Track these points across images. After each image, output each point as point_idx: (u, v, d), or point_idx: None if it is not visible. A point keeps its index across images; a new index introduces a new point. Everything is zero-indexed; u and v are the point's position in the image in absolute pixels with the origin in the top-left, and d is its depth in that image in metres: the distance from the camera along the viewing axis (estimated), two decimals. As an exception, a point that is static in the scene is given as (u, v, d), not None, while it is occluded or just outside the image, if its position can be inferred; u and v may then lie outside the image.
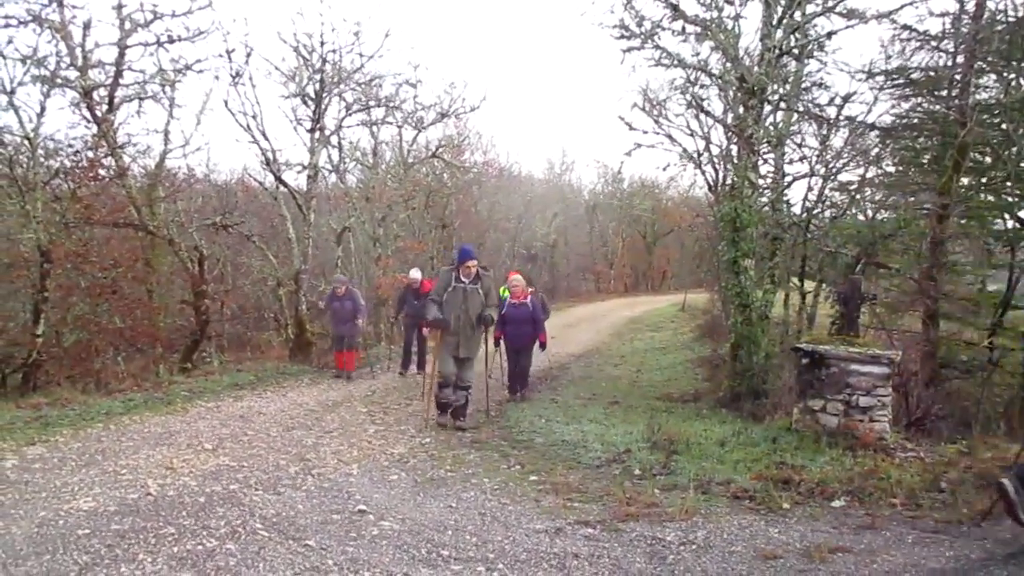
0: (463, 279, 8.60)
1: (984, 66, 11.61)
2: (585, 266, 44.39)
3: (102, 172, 14.35)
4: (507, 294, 10.81)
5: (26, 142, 13.36)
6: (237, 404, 9.94)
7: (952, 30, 11.92)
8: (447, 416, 8.74)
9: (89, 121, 13.62)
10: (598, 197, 44.34)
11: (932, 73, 12.42)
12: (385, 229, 20.23)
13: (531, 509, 5.58)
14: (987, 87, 12.07)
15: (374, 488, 6.07)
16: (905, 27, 12.17)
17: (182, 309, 16.54)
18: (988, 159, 12.31)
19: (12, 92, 12.88)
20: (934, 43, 12.26)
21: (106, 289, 14.09)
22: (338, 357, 12.97)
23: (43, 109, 13.43)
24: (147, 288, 15.81)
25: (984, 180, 12.65)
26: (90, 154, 14.14)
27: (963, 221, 12.23)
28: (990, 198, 12.48)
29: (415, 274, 13.20)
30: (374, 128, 19.78)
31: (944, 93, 12.36)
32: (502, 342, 10.74)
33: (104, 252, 14.41)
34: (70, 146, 14.12)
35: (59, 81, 13.03)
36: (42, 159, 13.76)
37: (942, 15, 11.92)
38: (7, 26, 12.36)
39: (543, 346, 11.10)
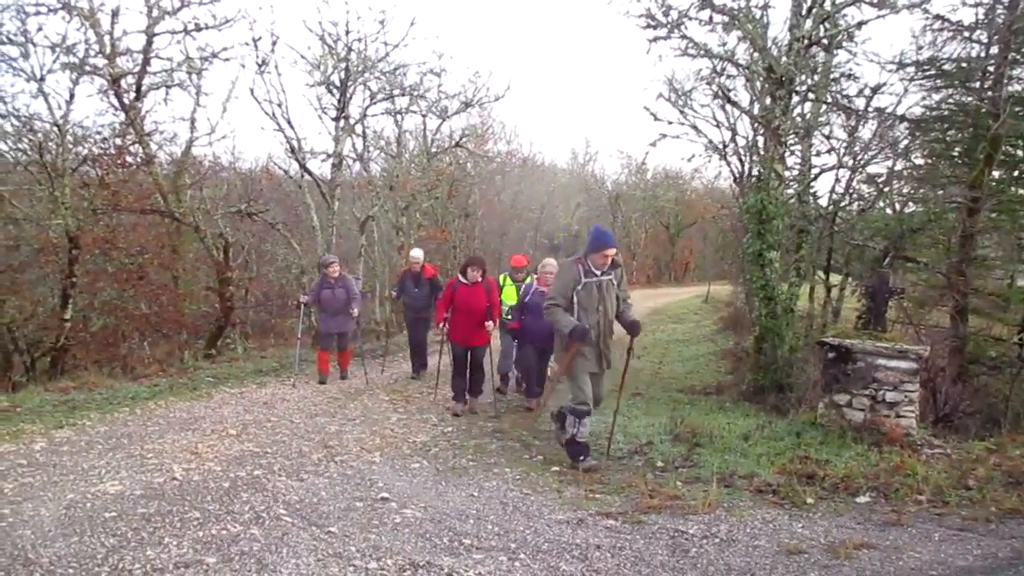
0: (595, 271, 6.51)
1: (1018, 57, 11.40)
2: (607, 255, 44.18)
3: (129, 159, 14.54)
4: (509, 281, 9.99)
5: (55, 129, 13.54)
6: (261, 391, 10.02)
7: (986, 20, 11.71)
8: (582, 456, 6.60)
9: (117, 108, 13.77)
10: (621, 187, 44.17)
11: (964, 64, 12.21)
12: (408, 218, 20.28)
13: (553, 500, 5.58)
14: (1021, 79, 11.85)
15: (396, 476, 6.09)
16: (937, 17, 11.99)
17: (207, 296, 16.71)
18: (1021, 152, 12.11)
19: (42, 79, 13.09)
20: (967, 33, 12.05)
21: (133, 275, 14.26)
22: (322, 358, 10.85)
23: (72, 96, 13.67)
24: (173, 275, 16.01)
25: (1016, 173, 12.45)
26: (118, 141, 14.33)
27: (994, 215, 12.04)
28: (1022, 192, 12.28)
29: (416, 253, 11.39)
30: (398, 117, 19.77)
31: (976, 84, 12.16)
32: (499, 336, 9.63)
33: (131, 239, 14.60)
34: (98, 133, 14.35)
35: (88, 68, 13.17)
36: (71, 146, 13.96)
37: (975, 5, 11.71)
38: (37, 13, 12.55)
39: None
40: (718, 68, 13.06)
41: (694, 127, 17.36)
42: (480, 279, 8.89)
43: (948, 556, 4.42)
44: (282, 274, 20.67)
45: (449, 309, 9.06)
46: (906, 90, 13.72)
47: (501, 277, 10.18)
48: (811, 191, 13.40)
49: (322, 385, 10.46)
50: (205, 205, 15.93)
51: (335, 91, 16.17)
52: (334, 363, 11.09)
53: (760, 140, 14.66)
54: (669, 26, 10.99)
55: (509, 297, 9.73)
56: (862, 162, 14.52)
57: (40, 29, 14.11)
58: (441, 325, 9.18)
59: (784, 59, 10.67)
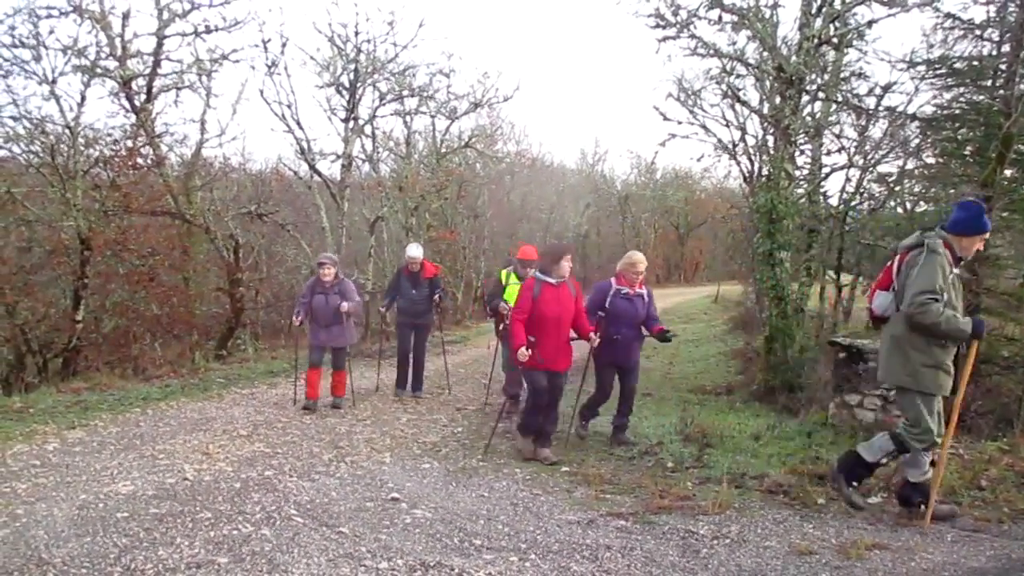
0: (962, 259, 4.98)
1: (1031, 55, 11.32)
2: (617, 257, 44.13)
3: (140, 161, 14.63)
4: (514, 278, 8.58)
5: (67, 131, 13.62)
6: (271, 391, 10.05)
7: (997, 18, 11.62)
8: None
9: (128, 111, 13.87)
10: (631, 187, 44.09)
11: (976, 62, 12.12)
12: (418, 219, 20.29)
13: (563, 500, 5.57)
14: (1033, 77, 11.78)
15: (407, 476, 6.09)
16: (948, 15, 11.89)
17: (218, 297, 16.78)
18: (1033, 150, 12.02)
19: (53, 82, 13.18)
20: (978, 31, 11.95)
21: (144, 276, 14.33)
22: (310, 379, 8.70)
23: (83, 99, 13.75)
24: (184, 276, 16.07)
25: (1029, 172, 12.35)
26: (129, 143, 14.41)
27: (1006, 214, 11.93)
28: (1034, 190, 12.19)
29: (414, 252, 9.71)
30: (407, 118, 19.85)
31: (988, 83, 12.06)
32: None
33: (142, 240, 14.66)
34: (109, 135, 14.45)
35: (99, 71, 13.27)
36: (82, 148, 14.04)
37: (987, 3, 11.59)
38: (49, 16, 12.64)
39: (665, 336, 7.45)
40: (728, 67, 13.05)
41: (703, 127, 17.33)
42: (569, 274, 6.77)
43: (961, 557, 4.40)
44: (292, 275, 20.73)
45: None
46: (917, 89, 13.60)
47: (503, 273, 8.94)
48: (821, 190, 13.36)
49: (309, 411, 8.47)
50: (215, 206, 16.01)
51: (344, 92, 16.25)
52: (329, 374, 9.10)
53: (770, 139, 14.61)
54: (678, 26, 10.99)
55: (512, 297, 8.04)
56: (873, 161, 14.44)
57: (52, 32, 14.27)
58: (525, 350, 6.45)
59: (794, 58, 10.64)
